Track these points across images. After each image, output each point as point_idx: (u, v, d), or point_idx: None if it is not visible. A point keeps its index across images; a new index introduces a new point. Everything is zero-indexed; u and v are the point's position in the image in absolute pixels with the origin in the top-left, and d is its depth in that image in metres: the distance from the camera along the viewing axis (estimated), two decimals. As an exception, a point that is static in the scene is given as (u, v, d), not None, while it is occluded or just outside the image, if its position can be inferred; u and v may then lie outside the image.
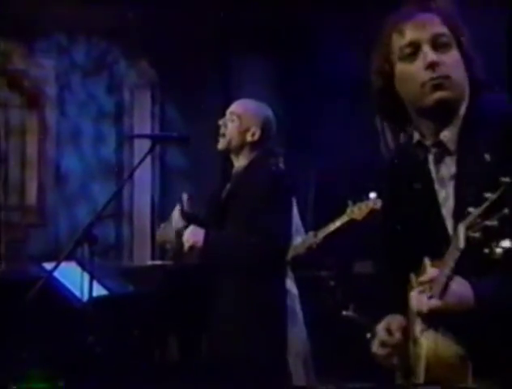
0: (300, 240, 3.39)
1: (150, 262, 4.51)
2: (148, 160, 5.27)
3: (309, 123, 5.27)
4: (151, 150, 2.44)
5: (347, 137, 5.30)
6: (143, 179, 5.20)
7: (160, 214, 5.35)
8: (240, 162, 2.52)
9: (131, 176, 2.55)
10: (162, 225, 4.05)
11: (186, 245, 2.42)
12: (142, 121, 5.42)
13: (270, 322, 2.39)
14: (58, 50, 5.07)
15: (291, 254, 3.23)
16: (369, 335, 1.56)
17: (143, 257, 5.16)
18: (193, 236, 2.41)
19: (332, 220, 3.39)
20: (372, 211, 3.31)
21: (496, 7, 4.42)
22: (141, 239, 5.31)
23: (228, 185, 2.53)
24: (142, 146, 5.25)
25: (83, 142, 5.20)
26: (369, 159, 5.47)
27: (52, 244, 4.93)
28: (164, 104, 5.47)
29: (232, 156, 2.54)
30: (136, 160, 5.17)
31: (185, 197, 2.53)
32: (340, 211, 3.38)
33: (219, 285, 2.41)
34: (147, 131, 5.41)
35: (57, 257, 4.80)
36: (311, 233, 3.39)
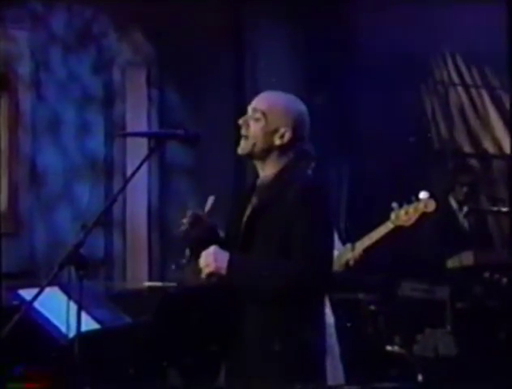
0: (335, 254, 3.32)
1: (147, 284, 4.50)
2: (143, 154, 5.34)
3: (340, 110, 5.23)
4: (152, 153, 2.39)
5: (387, 124, 5.27)
6: (138, 178, 5.14)
7: (159, 222, 5.35)
8: (266, 170, 2.49)
9: (125, 186, 2.49)
10: (185, 221, 4.03)
11: (206, 270, 2.37)
12: (137, 106, 5.39)
13: (306, 365, 2.35)
14: (33, 19, 5.03)
15: None
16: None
17: (139, 276, 5.14)
18: (214, 260, 2.36)
19: (372, 228, 3.34)
20: (423, 216, 3.25)
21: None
22: (135, 254, 5.30)
23: (254, 200, 2.48)
24: (133, 140, 5.23)
25: (64, 133, 5.17)
26: (416, 151, 5.52)
27: (27, 257, 4.92)
28: (162, 87, 5.44)
29: (257, 163, 2.51)
30: (129, 153, 5.20)
31: (210, 201, 2.48)
32: (382, 217, 3.33)
33: (239, 316, 2.39)
34: (143, 119, 5.40)
35: (33, 273, 4.84)
36: (348, 246, 3.34)
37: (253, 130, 2.46)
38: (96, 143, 5.26)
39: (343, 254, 3.34)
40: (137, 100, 5.41)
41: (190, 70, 5.25)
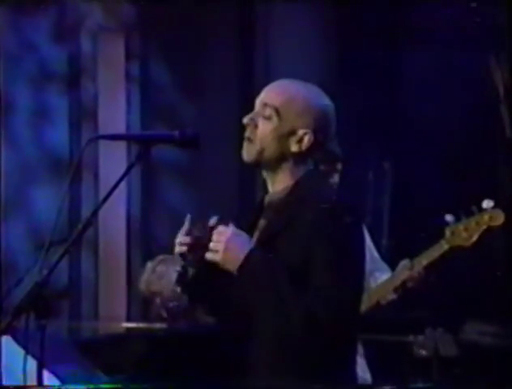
0: (385, 277, 3.46)
1: (126, 325, 4.48)
2: (123, 154, 5.34)
3: (377, 103, 5.19)
4: (138, 160, 2.35)
5: (442, 109, 5.25)
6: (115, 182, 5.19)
7: (142, 240, 5.35)
8: (277, 184, 2.48)
9: (103, 203, 2.48)
10: (149, 265, 3.91)
11: (210, 256, 2.37)
12: (111, 85, 5.41)
13: None
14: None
15: (365, 305, 3.25)
16: None
17: (115, 313, 5.12)
18: (225, 249, 2.35)
19: (422, 245, 3.38)
20: (488, 231, 3.29)
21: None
22: (111, 282, 5.28)
23: (261, 224, 2.49)
24: (108, 130, 5.22)
25: (16, 120, 5.20)
26: (477, 151, 5.47)
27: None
28: (145, 59, 5.46)
29: (265, 174, 2.49)
30: (102, 148, 5.17)
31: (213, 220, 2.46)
32: (434, 234, 3.36)
33: (248, 364, 2.39)
34: (120, 102, 5.41)
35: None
36: (404, 263, 3.41)
37: (261, 131, 2.44)
38: (59, 133, 5.28)
39: (398, 273, 3.42)
40: (112, 78, 5.44)
41: (183, 38, 5.26)
